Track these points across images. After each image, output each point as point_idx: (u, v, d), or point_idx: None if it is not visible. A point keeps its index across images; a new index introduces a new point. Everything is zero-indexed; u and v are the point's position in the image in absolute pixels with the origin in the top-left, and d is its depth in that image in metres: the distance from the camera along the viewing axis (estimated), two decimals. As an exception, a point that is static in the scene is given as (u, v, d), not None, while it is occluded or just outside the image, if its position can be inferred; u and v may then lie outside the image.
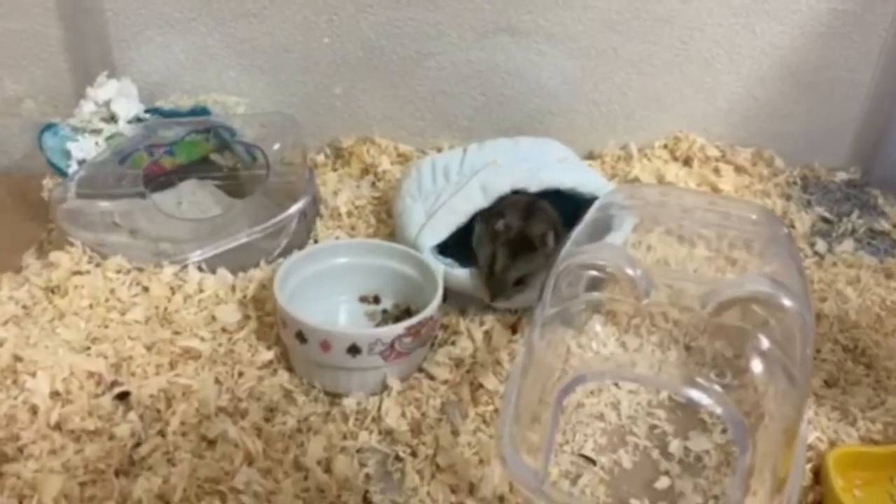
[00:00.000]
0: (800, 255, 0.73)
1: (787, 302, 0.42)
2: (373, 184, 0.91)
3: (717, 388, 0.41)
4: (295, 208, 0.77)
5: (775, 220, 0.56)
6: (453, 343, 0.67)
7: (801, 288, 0.47)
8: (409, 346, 0.61)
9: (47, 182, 0.82)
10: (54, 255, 0.70)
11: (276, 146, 0.77)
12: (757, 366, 0.43)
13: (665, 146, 0.96)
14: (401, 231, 0.76)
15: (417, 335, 0.62)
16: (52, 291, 0.67)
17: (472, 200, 0.73)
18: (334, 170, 0.94)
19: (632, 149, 0.95)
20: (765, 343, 0.43)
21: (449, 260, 0.72)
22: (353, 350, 0.59)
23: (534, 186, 0.74)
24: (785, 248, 0.53)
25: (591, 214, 0.58)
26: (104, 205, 0.72)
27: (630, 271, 0.44)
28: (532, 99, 0.95)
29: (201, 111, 0.90)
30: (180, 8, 0.89)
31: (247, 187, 0.86)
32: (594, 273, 0.46)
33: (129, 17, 0.90)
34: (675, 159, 0.94)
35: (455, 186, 0.76)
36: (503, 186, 0.73)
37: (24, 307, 0.66)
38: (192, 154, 0.86)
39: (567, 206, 0.77)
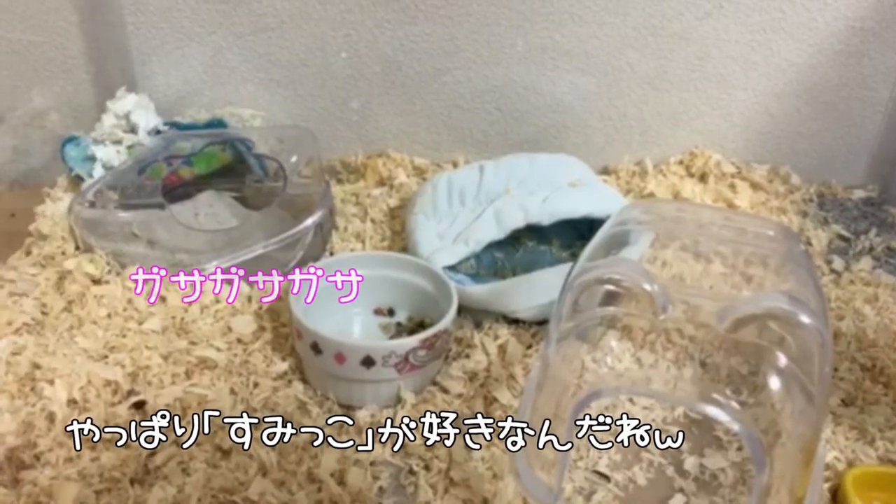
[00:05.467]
0: (817, 273, 0.72)
1: (804, 319, 0.42)
2: (388, 196, 0.92)
3: (734, 404, 0.41)
4: (311, 220, 0.77)
5: (792, 237, 0.56)
6: (467, 356, 0.67)
7: (819, 305, 0.47)
8: (424, 358, 0.62)
9: (56, 191, 0.82)
10: (72, 263, 0.71)
11: (293, 159, 0.78)
12: (774, 383, 0.43)
13: (681, 162, 0.96)
14: (413, 247, 0.76)
15: (432, 348, 0.62)
16: (71, 300, 0.68)
17: (487, 232, 0.75)
18: (350, 182, 0.95)
19: (647, 164, 0.95)
20: (782, 360, 0.43)
21: (460, 276, 0.73)
22: (368, 362, 0.60)
23: (546, 220, 0.75)
24: (802, 265, 0.53)
25: (606, 229, 0.58)
26: (123, 215, 0.73)
27: (647, 286, 0.44)
28: (547, 114, 0.95)
29: (218, 123, 0.91)
30: (200, 22, 0.90)
31: (264, 199, 0.87)
32: (610, 287, 0.46)
33: (150, 31, 0.91)
34: (691, 175, 0.94)
35: (470, 213, 0.78)
36: (517, 221, 0.75)
37: (43, 315, 0.67)
38: (211, 165, 0.87)
39: (583, 225, 0.77)
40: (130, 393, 0.59)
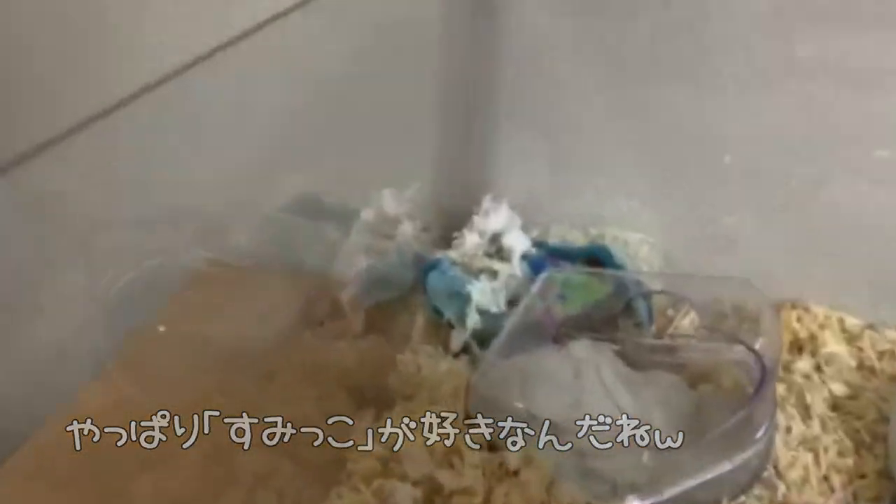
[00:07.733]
0: None
1: None
2: (817, 368, 0.67)
3: None
4: (763, 428, 0.54)
5: None
6: None
7: None
8: None
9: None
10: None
11: (759, 342, 0.55)
12: None
13: None
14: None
15: None
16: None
17: None
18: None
19: None
20: None
21: None
22: None
23: None
24: None
25: None
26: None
27: None
28: None
29: (599, 251, 0.70)
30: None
31: (644, 357, 0.66)
32: None
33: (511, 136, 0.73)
34: None
35: None
36: None
37: None
38: (586, 300, 0.68)
39: None
40: None
